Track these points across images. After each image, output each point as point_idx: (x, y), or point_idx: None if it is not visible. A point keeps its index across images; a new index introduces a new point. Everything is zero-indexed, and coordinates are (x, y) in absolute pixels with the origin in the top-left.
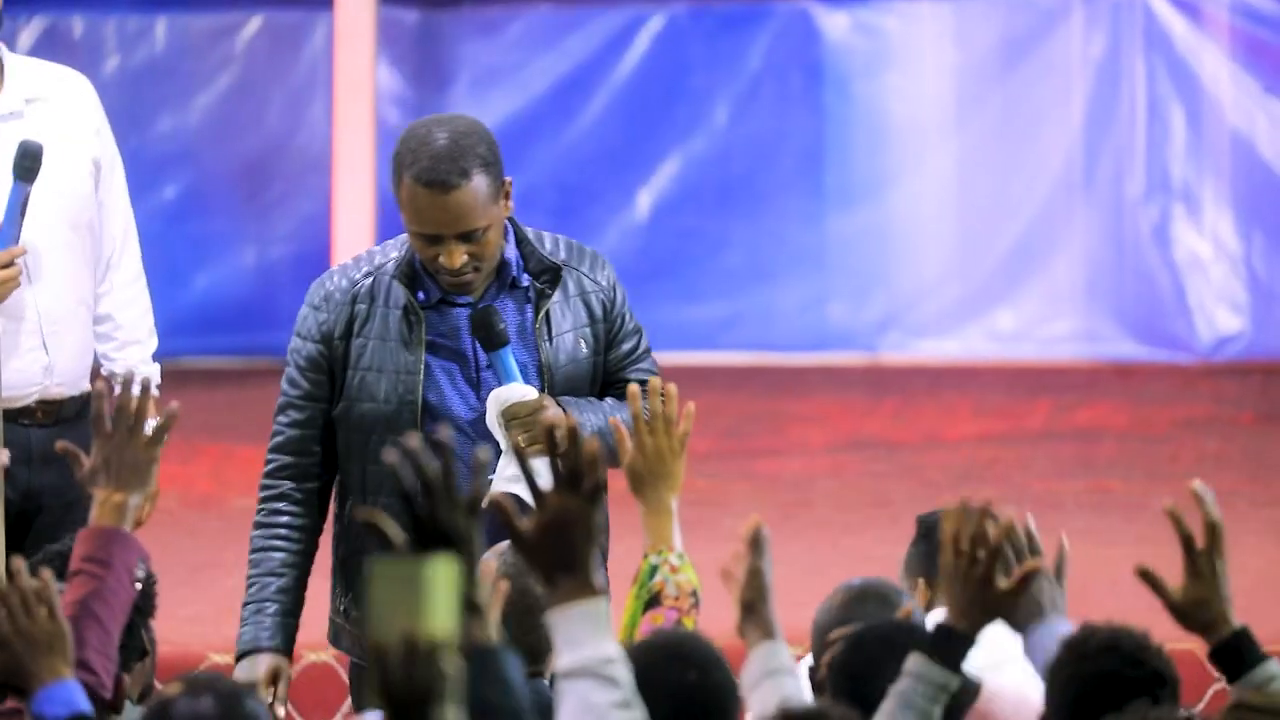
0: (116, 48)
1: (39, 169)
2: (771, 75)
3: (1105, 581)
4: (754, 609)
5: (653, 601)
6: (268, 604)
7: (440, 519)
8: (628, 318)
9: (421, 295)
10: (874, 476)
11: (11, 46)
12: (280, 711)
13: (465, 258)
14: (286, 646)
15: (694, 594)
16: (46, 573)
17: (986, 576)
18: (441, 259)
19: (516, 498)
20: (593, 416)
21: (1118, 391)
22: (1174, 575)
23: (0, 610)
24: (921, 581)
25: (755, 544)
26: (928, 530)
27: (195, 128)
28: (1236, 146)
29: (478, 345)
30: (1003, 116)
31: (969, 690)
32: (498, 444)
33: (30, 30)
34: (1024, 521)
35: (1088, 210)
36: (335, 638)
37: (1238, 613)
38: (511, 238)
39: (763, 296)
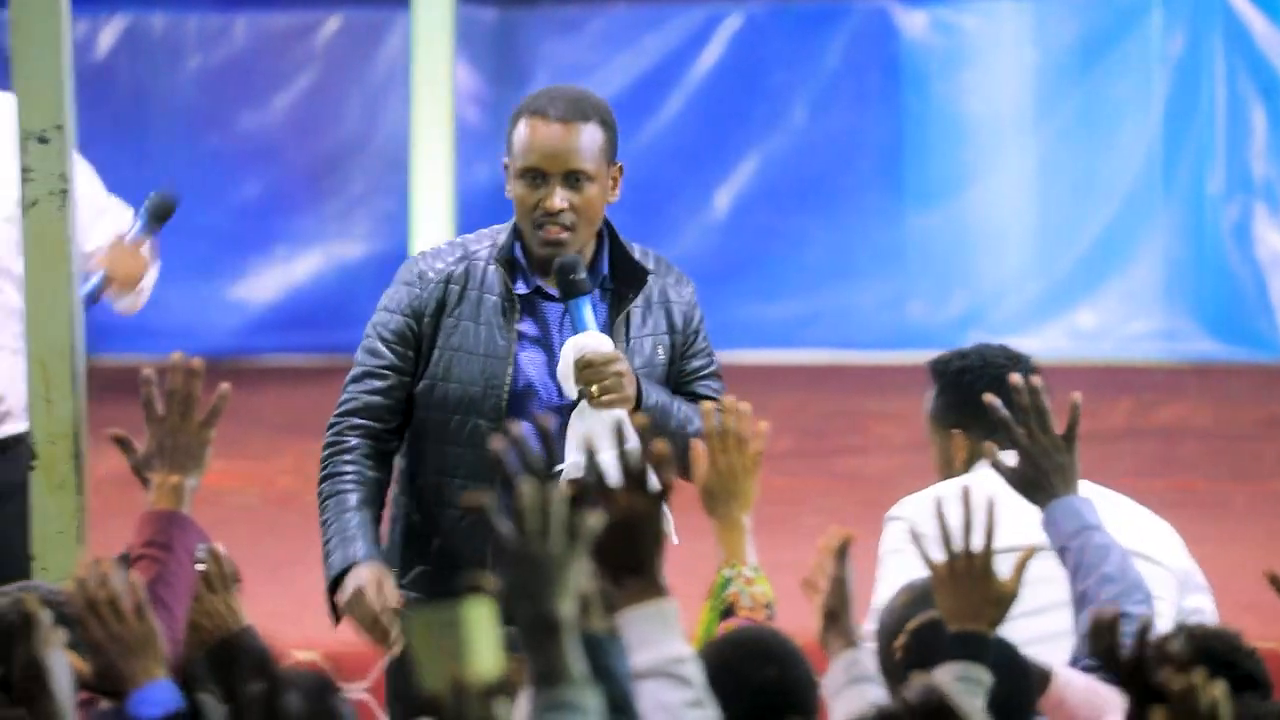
0: (197, 46)
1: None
2: (850, 73)
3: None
4: (837, 618)
5: (727, 612)
6: (350, 533)
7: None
8: (703, 336)
9: (520, 285)
10: None
11: (92, 46)
12: (393, 601)
13: (565, 205)
14: (380, 560)
15: (769, 605)
16: (134, 574)
17: (984, 572)
18: (544, 202)
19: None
20: (663, 397)
21: (1199, 390)
22: (1258, 574)
23: (90, 616)
24: (958, 433)
25: (839, 554)
26: (954, 376)
27: (274, 126)
28: None
29: (564, 339)
30: (1082, 114)
31: (1040, 678)
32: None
33: (111, 29)
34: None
35: (1168, 208)
36: None
37: None
38: (605, 238)
39: (842, 295)
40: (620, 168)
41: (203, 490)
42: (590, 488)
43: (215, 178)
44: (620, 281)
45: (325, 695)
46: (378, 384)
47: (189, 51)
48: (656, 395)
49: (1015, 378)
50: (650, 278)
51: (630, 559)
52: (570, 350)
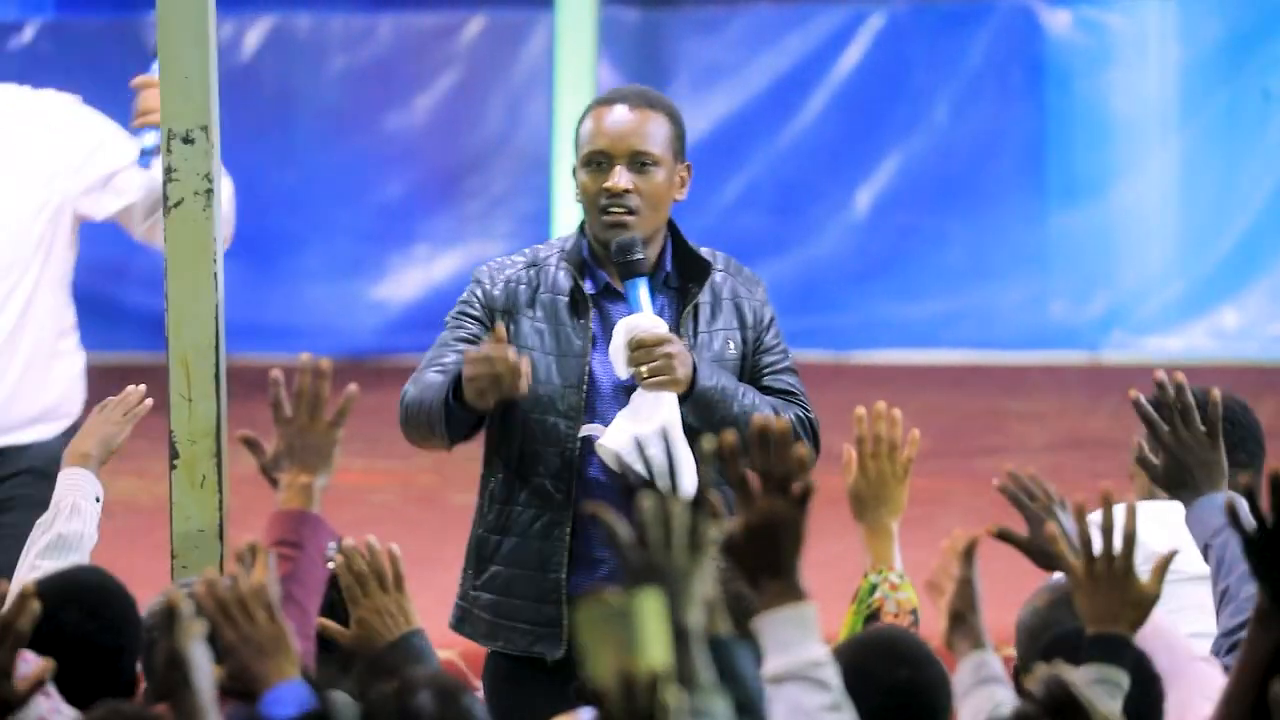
0: (341, 47)
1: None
2: (992, 72)
3: None
4: (964, 619)
5: (872, 617)
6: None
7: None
8: (775, 333)
9: (589, 284)
10: (1095, 476)
11: (238, 46)
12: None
13: (630, 185)
14: None
15: (914, 612)
16: (265, 574)
17: (1125, 574)
18: (608, 183)
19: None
20: (726, 382)
21: None
22: None
23: (222, 617)
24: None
25: (966, 555)
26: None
27: (417, 126)
28: None
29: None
30: (1227, 112)
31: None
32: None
33: (257, 29)
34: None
35: None
36: (459, 622)
37: None
38: (668, 239)
39: (983, 294)
40: (689, 167)
41: (344, 489)
42: (712, 495)
43: (358, 178)
44: (685, 277)
45: (457, 697)
46: (461, 348)
47: (333, 52)
48: (718, 379)
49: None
50: (720, 275)
51: (770, 562)
52: (622, 330)
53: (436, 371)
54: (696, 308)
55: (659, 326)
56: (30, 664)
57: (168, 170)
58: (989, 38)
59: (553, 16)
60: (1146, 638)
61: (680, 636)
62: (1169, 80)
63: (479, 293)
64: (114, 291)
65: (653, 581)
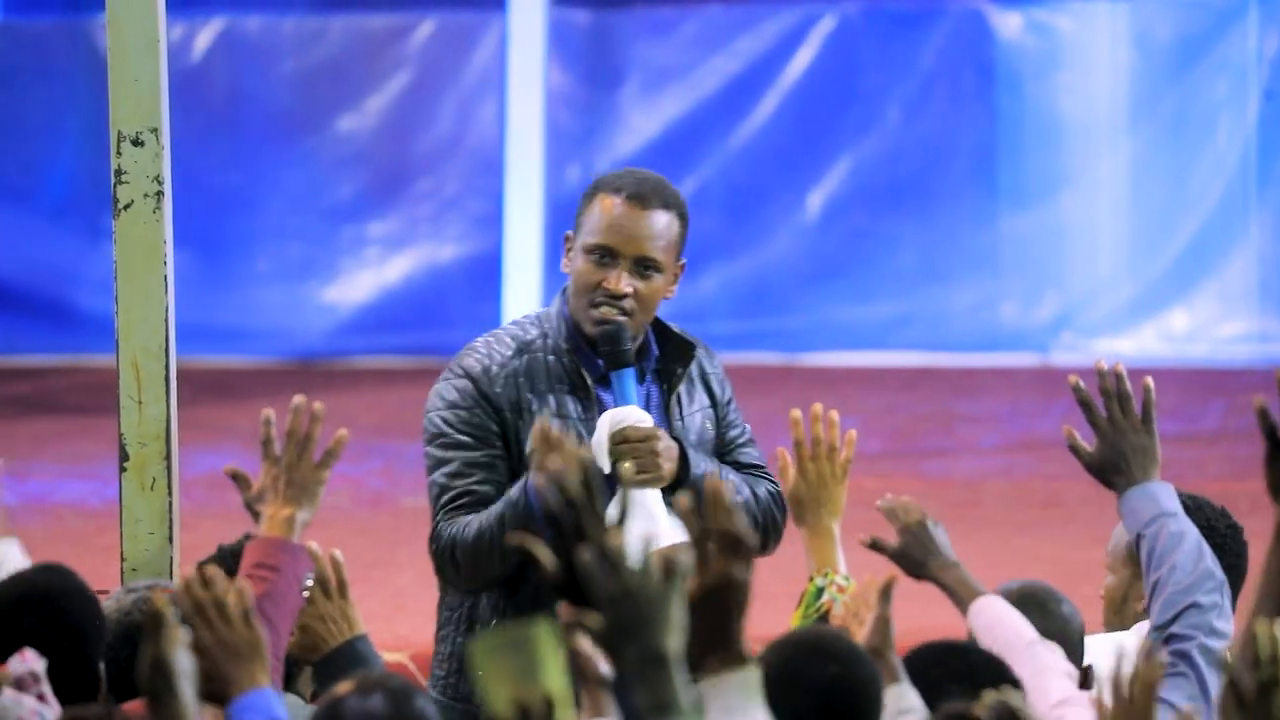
0: (292, 49)
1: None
2: (943, 75)
3: None
4: (880, 654)
5: (822, 619)
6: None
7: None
8: (735, 407)
9: (589, 373)
10: (1045, 477)
11: (189, 48)
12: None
13: (630, 290)
14: None
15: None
16: (242, 581)
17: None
18: (608, 282)
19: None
20: (711, 467)
21: None
22: None
23: (197, 619)
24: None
25: (884, 594)
26: None
27: (369, 128)
28: None
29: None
30: (1177, 116)
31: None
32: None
33: (208, 31)
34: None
35: (1262, 210)
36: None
37: None
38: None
39: (934, 297)
40: (683, 265)
41: None
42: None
43: (309, 180)
44: (668, 359)
45: (410, 697)
46: (482, 474)
47: (284, 54)
48: (705, 465)
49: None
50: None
51: (718, 626)
52: (606, 424)
53: (469, 502)
54: (679, 392)
55: (645, 421)
56: (29, 663)
57: (117, 172)
58: (940, 41)
59: (504, 18)
60: (987, 628)
61: (661, 661)
62: (1119, 83)
63: (475, 391)
64: (65, 294)
65: (630, 608)
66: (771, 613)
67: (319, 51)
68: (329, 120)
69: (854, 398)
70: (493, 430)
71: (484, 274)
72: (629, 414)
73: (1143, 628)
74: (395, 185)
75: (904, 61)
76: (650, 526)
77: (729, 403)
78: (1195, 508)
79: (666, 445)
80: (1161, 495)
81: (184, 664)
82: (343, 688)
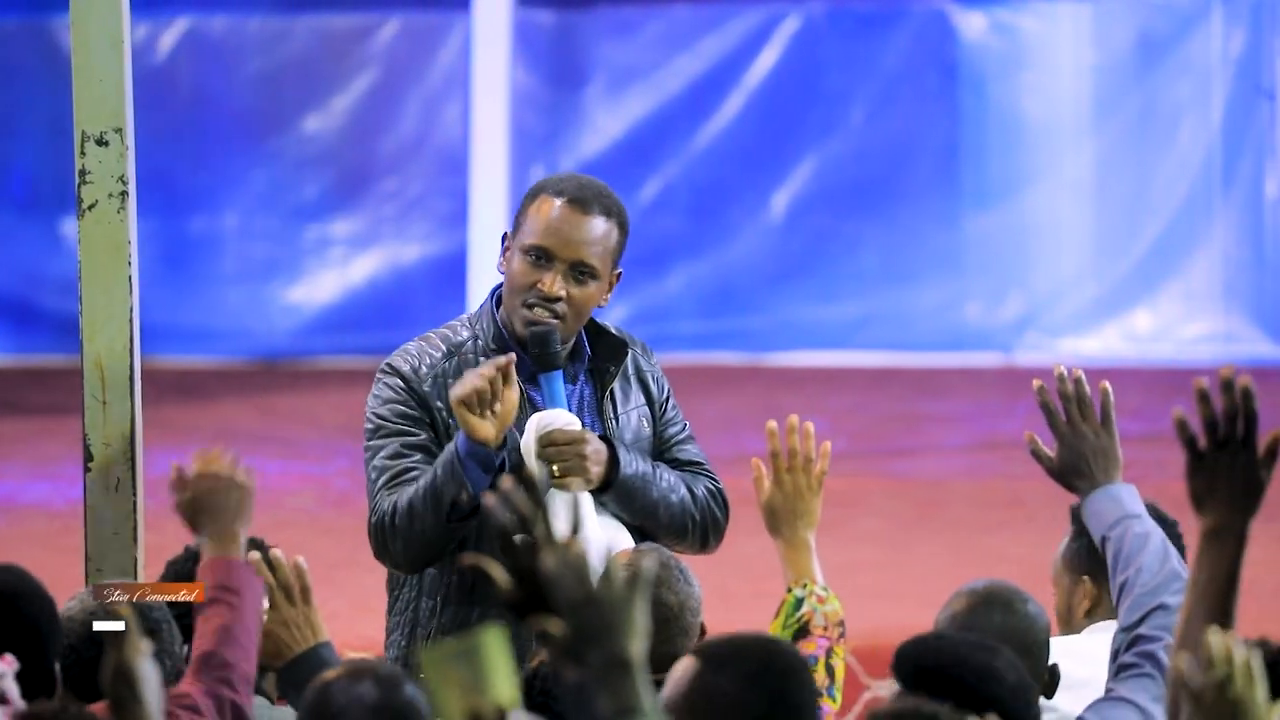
0: (257, 49)
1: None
2: (907, 76)
3: (1243, 581)
4: None
5: (802, 631)
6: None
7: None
8: (674, 404)
9: (520, 372)
10: (1010, 477)
11: (153, 48)
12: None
13: (562, 293)
14: None
15: (841, 624)
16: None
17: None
18: (543, 284)
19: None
20: (644, 467)
21: (1257, 393)
22: None
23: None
24: (1087, 579)
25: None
26: (1077, 520)
27: (333, 129)
28: None
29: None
30: (1140, 116)
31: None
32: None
33: (172, 31)
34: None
35: (1226, 210)
36: None
37: None
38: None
39: (898, 297)
40: (619, 274)
41: (259, 492)
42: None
43: (273, 179)
44: (600, 358)
45: (397, 685)
46: (421, 455)
47: (249, 54)
48: (638, 465)
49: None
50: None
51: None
52: (533, 426)
53: (410, 477)
54: (613, 391)
55: (573, 424)
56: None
57: (82, 173)
58: (904, 41)
59: (468, 19)
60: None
61: (626, 666)
62: (1083, 84)
63: (406, 387)
64: (28, 294)
65: (594, 614)
66: (733, 610)
67: (283, 51)
68: (294, 120)
69: (818, 397)
70: (425, 423)
71: (448, 274)
72: (556, 417)
73: (1097, 629)
74: (360, 185)
75: (868, 62)
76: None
77: (667, 400)
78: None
79: (594, 448)
80: (1125, 497)
81: (147, 671)
82: (331, 674)
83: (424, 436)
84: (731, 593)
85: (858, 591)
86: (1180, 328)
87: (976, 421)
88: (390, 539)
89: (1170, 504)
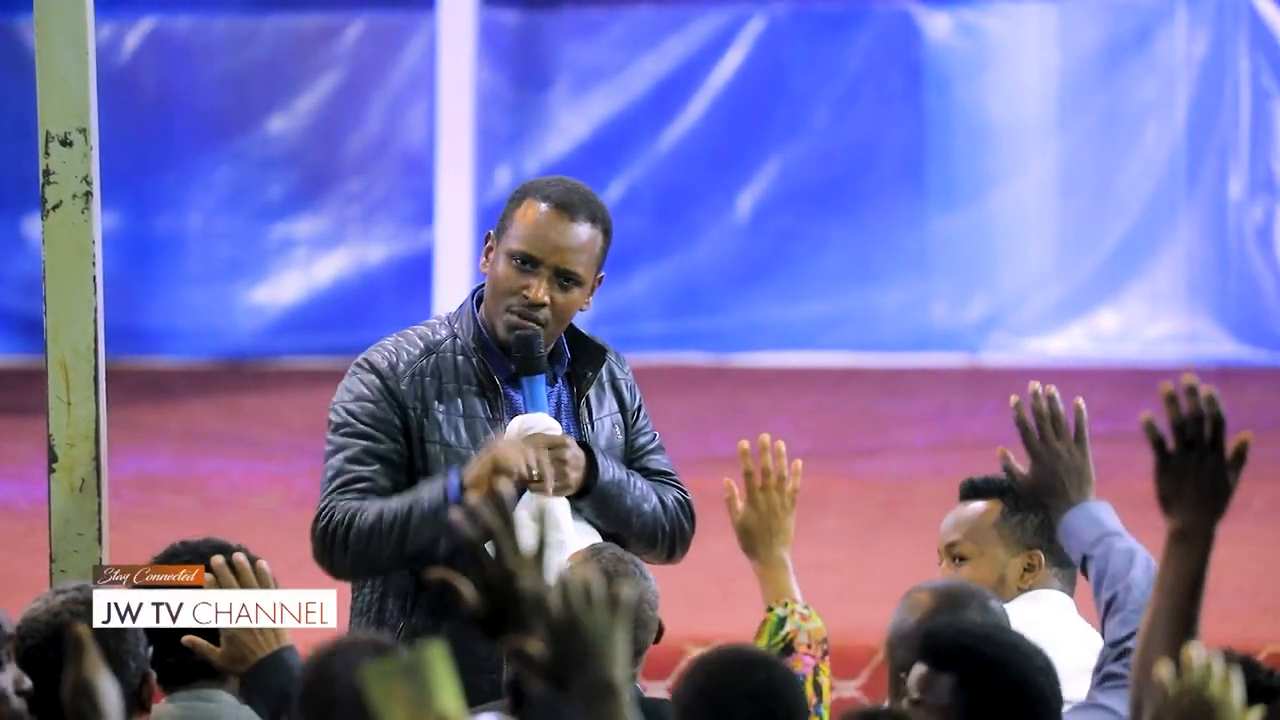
0: (222, 49)
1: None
2: (872, 76)
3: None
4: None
5: (787, 650)
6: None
7: (505, 569)
8: (645, 413)
9: (497, 373)
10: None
11: (118, 48)
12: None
13: (547, 300)
14: None
15: (824, 641)
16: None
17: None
18: (528, 290)
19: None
20: (620, 475)
21: (1220, 393)
22: (1277, 576)
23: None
24: (1039, 554)
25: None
26: (1032, 496)
27: (298, 129)
28: None
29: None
30: (1105, 117)
31: None
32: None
33: (137, 31)
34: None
35: (1190, 211)
36: None
37: None
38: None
39: (864, 297)
40: (602, 277)
41: (224, 491)
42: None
43: (238, 180)
44: (579, 363)
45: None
46: (381, 466)
47: (214, 54)
48: (614, 472)
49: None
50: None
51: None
52: (515, 429)
53: (365, 488)
54: (589, 397)
55: (554, 428)
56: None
57: (46, 173)
58: (868, 42)
59: (433, 19)
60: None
61: (613, 691)
62: (1048, 84)
63: (380, 385)
64: None
65: (578, 641)
66: (702, 611)
67: (248, 52)
68: (258, 120)
69: (783, 398)
70: (396, 426)
71: (414, 275)
72: (538, 421)
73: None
74: (325, 185)
75: (833, 62)
76: (555, 533)
77: (639, 409)
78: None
79: (574, 454)
80: (1103, 515)
81: (106, 685)
82: (328, 645)
83: (388, 446)
84: (698, 594)
85: (822, 592)
86: (1145, 328)
87: (942, 422)
88: (338, 552)
89: (1136, 503)
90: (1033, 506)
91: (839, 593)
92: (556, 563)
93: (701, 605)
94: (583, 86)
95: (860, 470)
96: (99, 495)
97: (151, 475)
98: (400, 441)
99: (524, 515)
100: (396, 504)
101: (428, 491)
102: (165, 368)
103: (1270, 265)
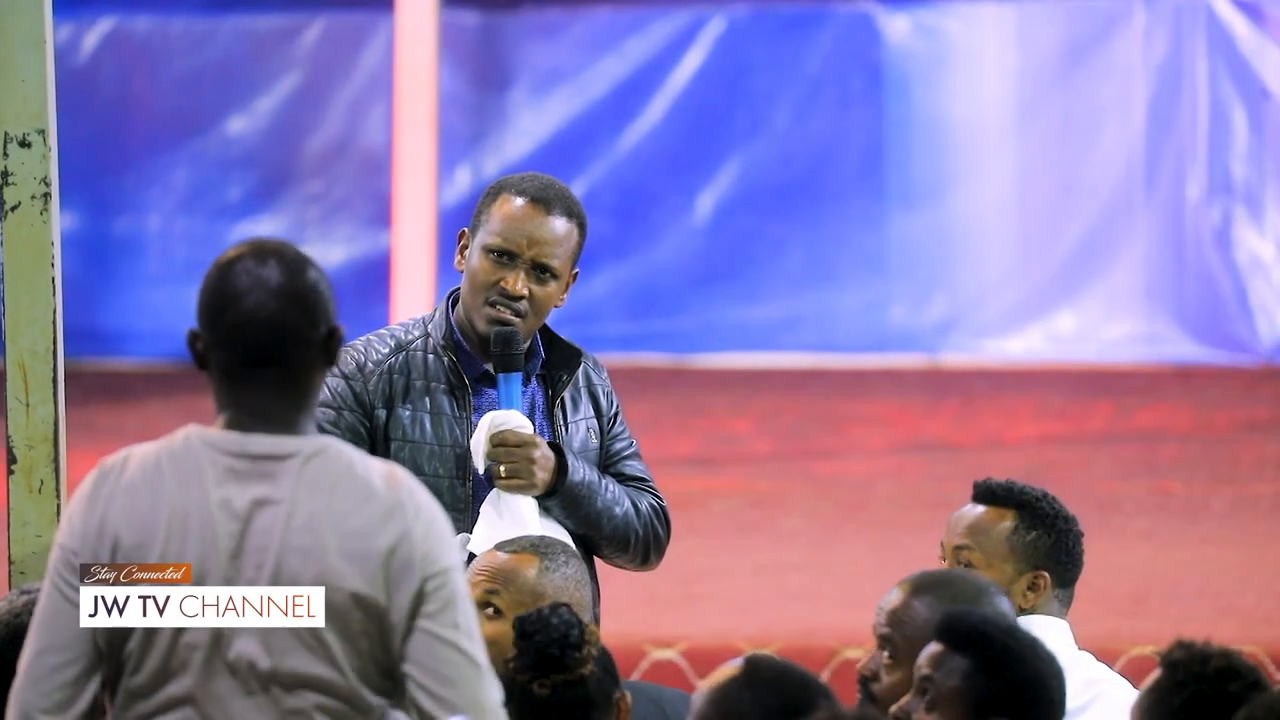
0: (181, 50)
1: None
2: (832, 78)
3: (1167, 583)
4: None
5: None
6: None
7: None
8: (622, 420)
9: (469, 371)
10: (935, 479)
11: (77, 48)
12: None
13: (525, 292)
14: None
15: None
16: None
17: None
18: (506, 282)
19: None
20: (592, 476)
21: (1179, 394)
22: (1237, 577)
23: None
24: (1046, 575)
25: None
26: (1062, 523)
27: (257, 130)
28: None
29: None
30: (1064, 119)
31: None
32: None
33: (96, 32)
34: None
35: (1149, 212)
36: None
37: None
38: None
39: (823, 298)
40: (576, 274)
41: None
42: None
43: (197, 181)
44: (553, 365)
45: (303, 267)
46: None
47: (173, 55)
48: (585, 473)
49: None
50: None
51: None
52: (486, 424)
53: None
54: (564, 400)
55: (525, 427)
56: None
57: (4, 174)
58: (828, 43)
59: (392, 20)
60: None
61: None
62: (1007, 86)
63: (345, 388)
64: None
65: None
66: (663, 613)
67: (208, 53)
68: (217, 121)
69: (743, 399)
70: (361, 434)
71: (373, 276)
72: (510, 418)
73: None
74: (284, 187)
75: (792, 64)
76: (519, 530)
77: (615, 416)
78: (1041, 497)
79: (543, 454)
80: None
81: None
82: (234, 251)
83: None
84: (659, 595)
85: (782, 592)
86: (1103, 329)
87: (901, 423)
88: None
89: (1094, 504)
90: (1047, 526)
91: (799, 593)
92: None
93: (663, 607)
94: (543, 88)
95: (819, 471)
96: (58, 497)
97: None
98: (365, 442)
99: (488, 510)
100: None
101: None
102: (124, 369)
103: (1228, 267)
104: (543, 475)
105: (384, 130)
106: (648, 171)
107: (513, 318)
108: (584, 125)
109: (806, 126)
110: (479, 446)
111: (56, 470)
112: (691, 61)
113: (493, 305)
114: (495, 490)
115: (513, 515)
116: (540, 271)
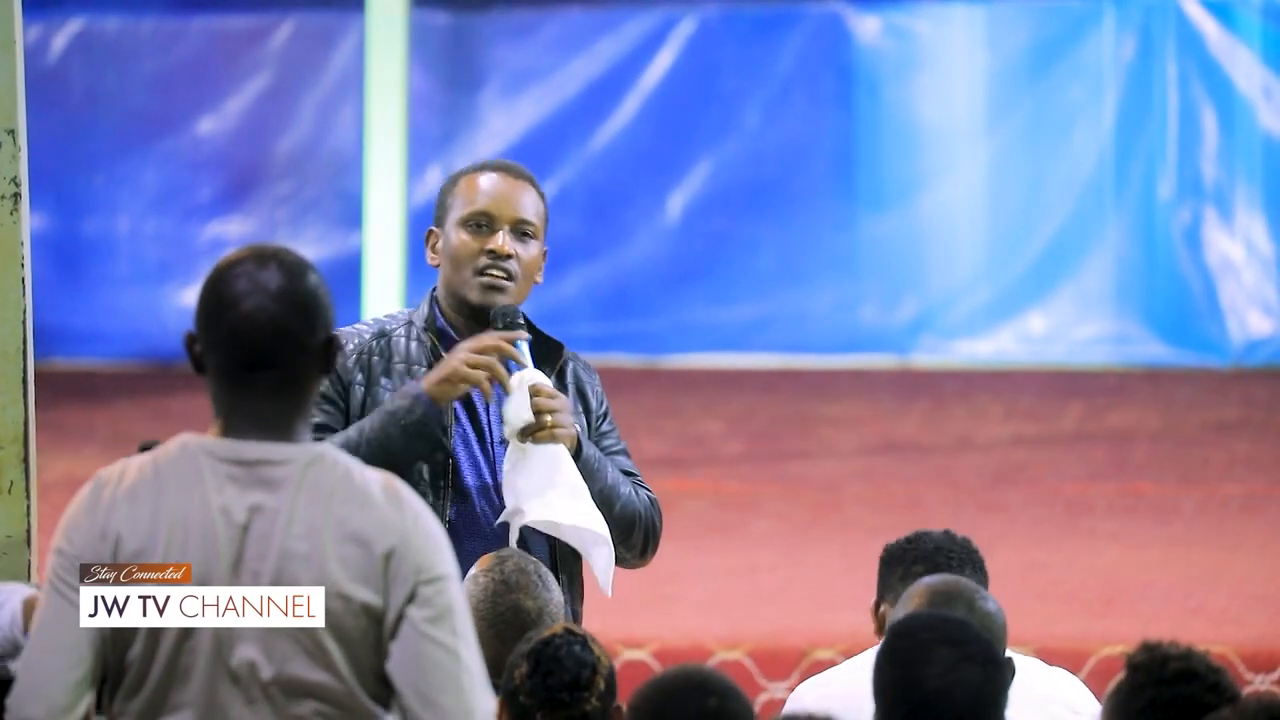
0: (151, 50)
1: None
2: (802, 78)
3: (1137, 584)
4: None
5: None
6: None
7: None
8: (611, 420)
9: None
10: (905, 479)
11: (46, 48)
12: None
13: (512, 251)
14: None
15: None
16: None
17: None
18: (492, 242)
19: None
20: (598, 453)
21: (1149, 395)
22: (1206, 578)
23: None
24: (886, 608)
25: None
26: (899, 552)
27: (227, 130)
28: (1268, 149)
29: (494, 418)
30: (1034, 120)
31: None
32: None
33: (65, 32)
34: None
35: (1119, 213)
36: None
37: (1265, 618)
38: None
39: (794, 299)
40: (546, 251)
41: None
42: None
43: (167, 181)
44: (536, 357)
45: (303, 272)
46: (320, 435)
47: (143, 55)
48: (595, 449)
49: None
50: (565, 357)
51: None
52: (522, 380)
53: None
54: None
55: (548, 383)
56: None
57: None
58: (799, 44)
59: (363, 20)
60: None
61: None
62: (977, 87)
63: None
64: None
65: None
66: (633, 614)
67: (177, 53)
68: (187, 122)
69: (714, 399)
70: (339, 405)
71: (344, 276)
72: (539, 375)
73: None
74: (254, 187)
75: (763, 64)
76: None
77: (605, 415)
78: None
79: (569, 415)
80: None
81: None
82: (234, 255)
83: (327, 415)
84: (629, 597)
85: (754, 594)
86: (1073, 329)
87: (872, 424)
88: None
89: (1064, 505)
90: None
91: (770, 594)
92: (571, 508)
93: (633, 608)
94: (513, 88)
95: (791, 472)
96: (28, 497)
97: (80, 477)
98: (341, 411)
99: (515, 476)
100: (355, 427)
101: (390, 404)
102: (94, 369)
103: (1198, 267)
104: (574, 430)
105: (354, 130)
106: (618, 172)
107: (505, 281)
108: (555, 126)
109: (777, 127)
110: (523, 401)
111: (26, 470)
112: (662, 62)
113: (482, 272)
114: (513, 452)
115: (550, 464)
116: (521, 231)
